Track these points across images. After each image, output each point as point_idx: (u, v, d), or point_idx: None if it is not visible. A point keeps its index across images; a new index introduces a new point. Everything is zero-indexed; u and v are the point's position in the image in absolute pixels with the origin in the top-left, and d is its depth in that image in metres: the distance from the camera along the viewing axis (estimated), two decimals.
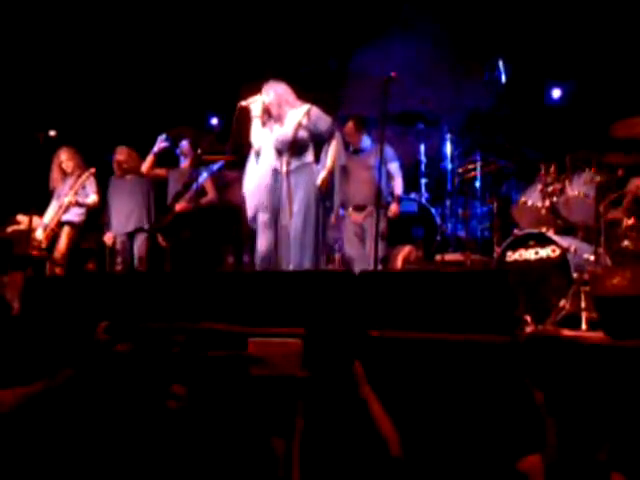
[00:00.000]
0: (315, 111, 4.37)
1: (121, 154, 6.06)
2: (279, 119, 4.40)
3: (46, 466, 2.41)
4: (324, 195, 4.41)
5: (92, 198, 5.91)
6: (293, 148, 4.35)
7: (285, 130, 4.36)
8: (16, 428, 2.47)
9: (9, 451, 2.42)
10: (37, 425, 2.51)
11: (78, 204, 5.86)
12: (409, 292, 3.23)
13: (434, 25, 6.55)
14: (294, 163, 4.37)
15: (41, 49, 7.17)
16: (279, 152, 4.40)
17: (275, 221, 4.35)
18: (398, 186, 5.54)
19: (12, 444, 2.43)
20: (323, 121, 4.38)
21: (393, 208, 5.46)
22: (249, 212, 4.51)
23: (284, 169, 4.37)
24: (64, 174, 6.03)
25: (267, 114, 4.44)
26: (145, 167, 5.90)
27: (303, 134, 4.34)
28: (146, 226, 5.91)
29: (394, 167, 5.52)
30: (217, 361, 2.98)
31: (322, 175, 4.37)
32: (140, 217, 5.92)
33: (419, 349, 2.90)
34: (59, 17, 7.10)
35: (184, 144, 5.96)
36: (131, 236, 5.93)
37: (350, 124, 5.53)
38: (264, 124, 4.47)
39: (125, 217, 5.92)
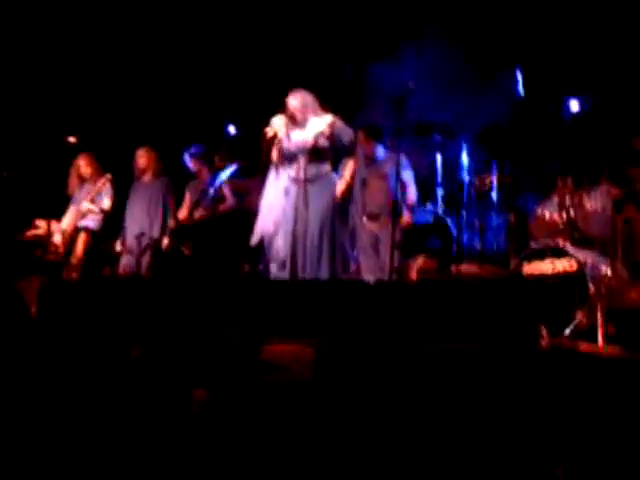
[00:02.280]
0: (339, 123, 4.39)
1: (139, 154, 6.08)
2: (301, 124, 4.42)
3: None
4: (341, 206, 4.42)
5: (106, 203, 5.97)
6: (311, 155, 4.36)
7: (305, 135, 4.38)
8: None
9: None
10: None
11: (102, 212, 5.95)
12: (425, 302, 3.22)
13: (451, 36, 6.55)
14: (311, 171, 4.38)
15: (63, 58, 7.26)
16: (296, 158, 4.40)
17: (292, 228, 4.34)
18: (411, 195, 5.50)
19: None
20: (346, 133, 4.41)
21: (405, 217, 5.40)
22: (260, 226, 4.51)
23: (301, 176, 4.38)
24: (82, 180, 6.10)
25: (291, 120, 4.43)
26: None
27: (324, 143, 4.36)
28: (149, 231, 5.89)
29: (407, 175, 5.48)
30: (232, 367, 2.99)
31: (340, 187, 4.38)
32: (145, 222, 5.91)
33: (435, 359, 2.89)
34: (80, 27, 7.19)
35: (189, 163, 5.99)
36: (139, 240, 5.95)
37: (360, 134, 5.53)
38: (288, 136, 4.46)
39: (134, 221, 5.94)
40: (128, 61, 7.42)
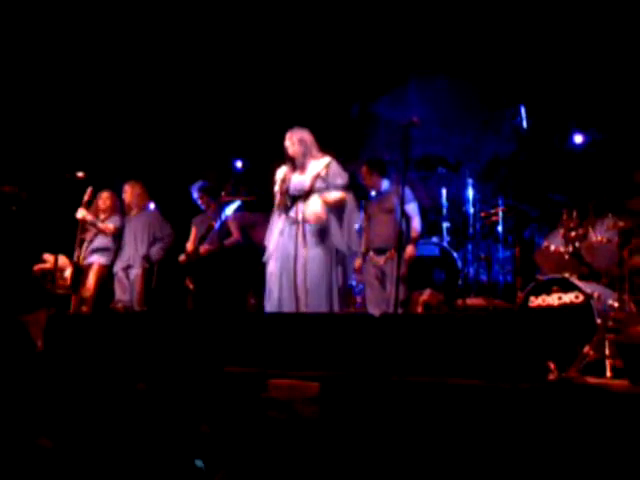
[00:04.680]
0: (334, 166, 4.52)
1: (124, 190, 6.22)
2: (301, 168, 4.55)
3: None
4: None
5: (108, 225, 6.04)
6: (308, 197, 4.48)
7: (304, 179, 4.51)
8: None
9: None
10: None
11: (93, 225, 5.98)
12: (431, 336, 3.21)
13: (456, 72, 6.64)
14: (309, 212, 4.46)
15: (75, 94, 7.40)
16: (295, 200, 4.52)
17: (289, 267, 4.42)
18: (415, 227, 5.49)
19: None
20: (340, 177, 4.52)
21: (409, 250, 5.35)
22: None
23: (300, 217, 4.48)
24: (98, 213, 6.18)
25: (291, 164, 4.56)
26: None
27: (320, 185, 4.48)
28: (137, 263, 5.97)
29: (411, 208, 5.47)
30: (236, 402, 2.97)
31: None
32: (131, 254, 6.01)
33: (441, 394, 2.86)
34: (86, 63, 7.34)
35: (197, 199, 6.07)
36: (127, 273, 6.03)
37: (363, 168, 5.59)
38: (288, 180, 4.59)
39: (123, 255, 6.06)
40: (142, 100, 7.55)
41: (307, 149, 4.53)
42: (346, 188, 4.54)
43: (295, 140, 4.54)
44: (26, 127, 7.25)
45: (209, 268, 5.78)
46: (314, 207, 4.44)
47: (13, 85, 7.11)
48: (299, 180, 4.53)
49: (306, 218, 4.45)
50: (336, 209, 4.48)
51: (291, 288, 4.40)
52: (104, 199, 6.15)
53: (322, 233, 4.46)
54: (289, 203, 4.55)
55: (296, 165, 4.55)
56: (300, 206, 4.49)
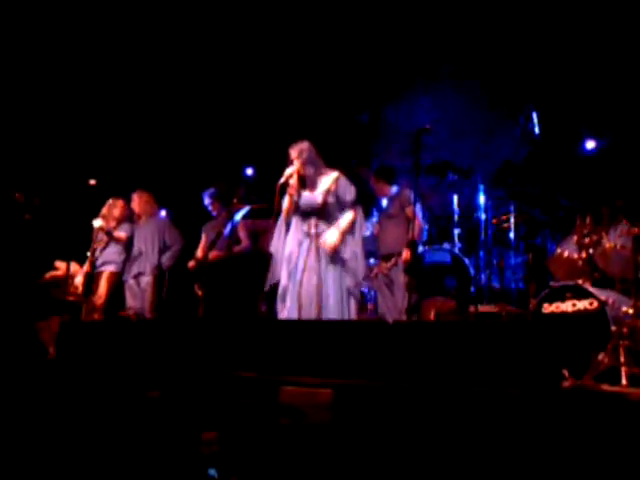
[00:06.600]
0: (343, 181, 4.57)
1: (132, 199, 6.31)
2: (311, 185, 4.59)
3: None
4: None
5: (120, 233, 6.09)
6: (321, 212, 4.55)
7: (315, 194, 4.56)
8: None
9: None
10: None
11: (109, 234, 6.02)
12: (443, 343, 3.18)
13: (467, 77, 6.63)
14: (322, 226, 4.54)
15: (84, 101, 7.46)
16: (308, 215, 4.57)
17: (297, 278, 4.48)
18: (415, 229, 5.41)
19: None
20: (348, 193, 4.56)
21: (404, 254, 5.28)
22: (276, 273, 4.62)
23: (312, 231, 4.54)
24: (110, 220, 6.22)
25: (301, 181, 4.58)
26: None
27: (331, 200, 4.54)
28: (148, 270, 5.99)
29: (411, 210, 5.42)
30: (248, 409, 2.97)
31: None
32: (141, 262, 6.08)
33: (453, 401, 2.84)
34: (99, 71, 7.40)
35: (209, 205, 6.11)
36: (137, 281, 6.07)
37: (372, 178, 5.63)
38: (298, 194, 4.61)
39: (133, 262, 6.13)
40: (155, 108, 7.61)
41: (316, 168, 4.58)
42: (354, 203, 4.57)
43: (304, 159, 4.56)
44: (39, 135, 7.31)
45: (218, 275, 5.79)
46: (331, 239, 4.45)
47: (26, 93, 7.18)
48: (310, 196, 4.58)
49: (323, 247, 4.47)
50: (349, 229, 4.51)
51: (295, 299, 4.46)
52: (115, 207, 6.21)
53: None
54: (300, 216, 4.61)
55: (307, 184, 4.59)
56: (312, 221, 4.55)
